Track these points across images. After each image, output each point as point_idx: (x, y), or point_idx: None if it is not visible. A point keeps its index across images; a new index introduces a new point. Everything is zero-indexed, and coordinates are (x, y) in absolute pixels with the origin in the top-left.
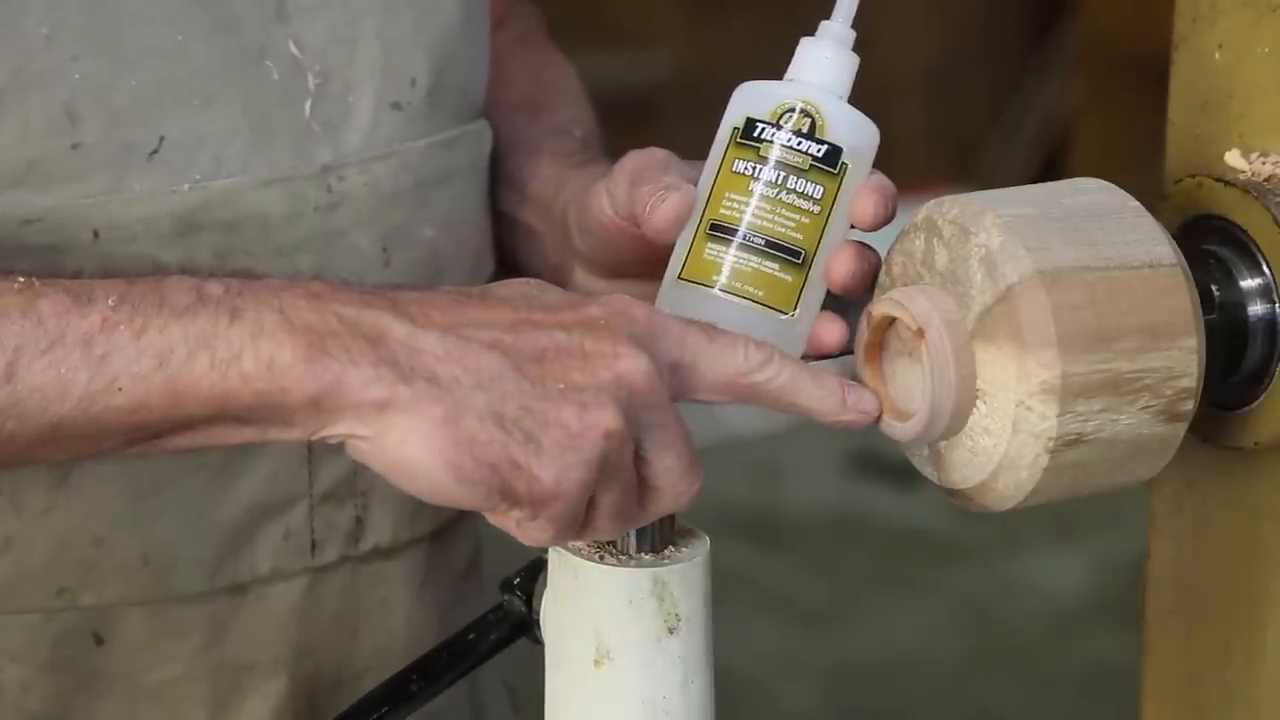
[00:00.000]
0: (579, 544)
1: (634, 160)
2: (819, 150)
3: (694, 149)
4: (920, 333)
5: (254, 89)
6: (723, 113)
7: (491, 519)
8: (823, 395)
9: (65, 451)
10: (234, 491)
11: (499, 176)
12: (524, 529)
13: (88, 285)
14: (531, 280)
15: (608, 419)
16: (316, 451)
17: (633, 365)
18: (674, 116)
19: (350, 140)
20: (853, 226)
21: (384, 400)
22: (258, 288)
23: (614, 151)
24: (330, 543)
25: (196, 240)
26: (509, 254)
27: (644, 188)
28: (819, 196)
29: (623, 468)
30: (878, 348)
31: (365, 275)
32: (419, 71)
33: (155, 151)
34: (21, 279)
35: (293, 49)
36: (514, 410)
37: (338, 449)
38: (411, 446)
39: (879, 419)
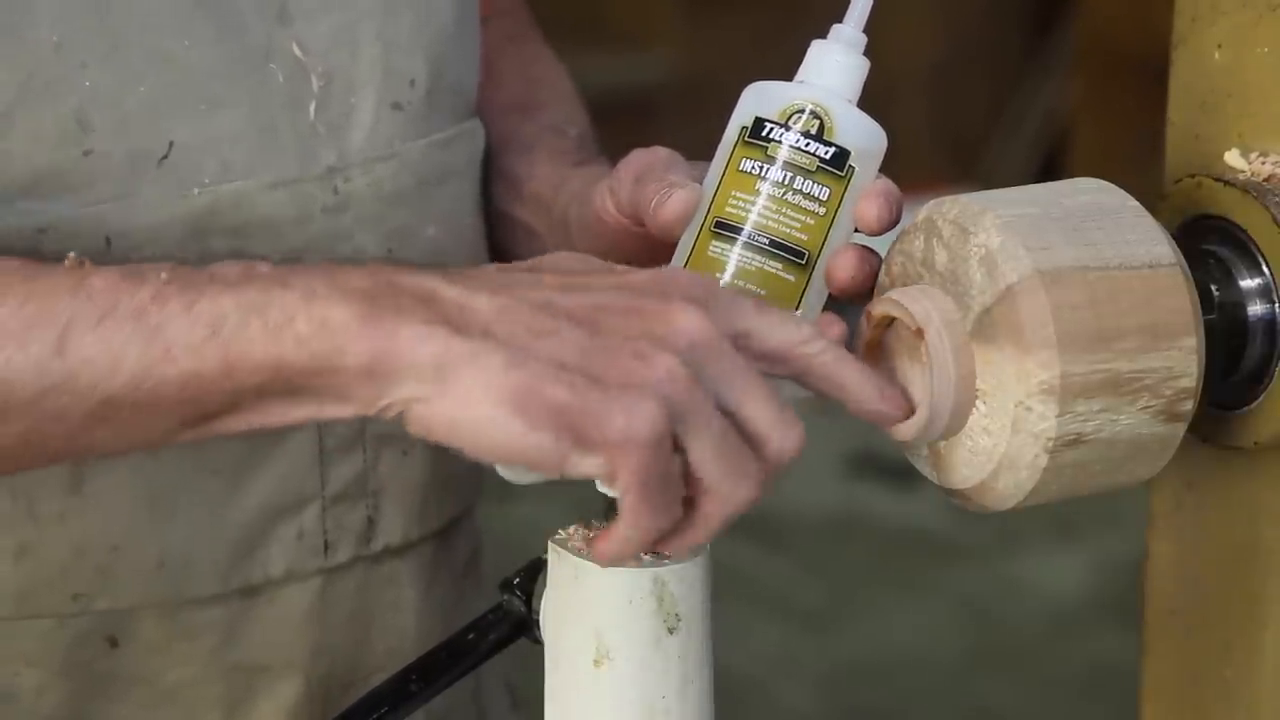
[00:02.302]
0: (579, 543)
1: (638, 158)
2: (826, 152)
3: (694, 149)
4: (920, 333)
5: (259, 92)
6: (723, 113)
7: (574, 475)
8: (863, 382)
9: (115, 433)
10: (247, 493)
11: (493, 175)
12: (612, 489)
13: (137, 265)
14: (574, 253)
15: (668, 361)
16: (328, 452)
17: (688, 320)
18: (674, 116)
19: (353, 141)
20: (856, 230)
21: (441, 355)
22: (307, 266)
23: (614, 151)
24: (343, 543)
25: (208, 245)
26: (505, 253)
27: (649, 185)
28: (825, 198)
29: (699, 410)
30: (877, 348)
31: None
32: (418, 72)
33: (165, 157)
34: (72, 256)
35: (296, 51)
36: (574, 357)
37: (349, 449)
38: (475, 400)
39: (906, 418)
